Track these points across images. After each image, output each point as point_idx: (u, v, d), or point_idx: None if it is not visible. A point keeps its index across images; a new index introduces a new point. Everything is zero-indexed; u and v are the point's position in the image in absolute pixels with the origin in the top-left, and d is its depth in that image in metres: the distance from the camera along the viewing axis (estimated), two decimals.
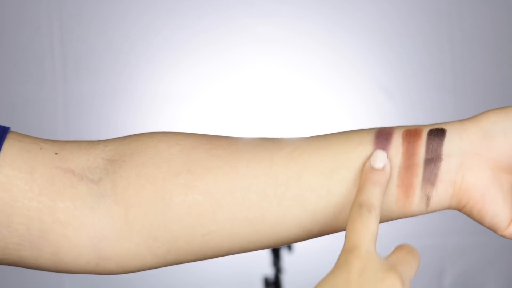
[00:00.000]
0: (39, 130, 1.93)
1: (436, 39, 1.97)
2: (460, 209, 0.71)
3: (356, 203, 0.67)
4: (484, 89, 1.99)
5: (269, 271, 1.95)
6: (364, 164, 0.70)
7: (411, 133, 0.70)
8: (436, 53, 1.98)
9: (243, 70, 1.98)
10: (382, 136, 0.71)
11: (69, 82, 1.95)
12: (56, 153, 0.72)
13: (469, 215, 0.71)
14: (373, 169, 0.69)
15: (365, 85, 1.98)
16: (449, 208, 0.71)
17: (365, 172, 0.69)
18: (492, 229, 0.71)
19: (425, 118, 1.99)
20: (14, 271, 1.95)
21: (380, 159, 0.69)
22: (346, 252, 0.64)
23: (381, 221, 0.71)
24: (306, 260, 1.96)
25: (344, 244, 0.65)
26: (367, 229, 0.64)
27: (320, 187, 0.71)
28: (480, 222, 0.71)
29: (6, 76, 1.94)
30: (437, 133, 0.70)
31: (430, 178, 0.70)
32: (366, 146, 0.70)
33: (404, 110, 1.98)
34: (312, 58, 1.97)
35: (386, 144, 0.70)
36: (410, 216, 0.72)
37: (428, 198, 0.70)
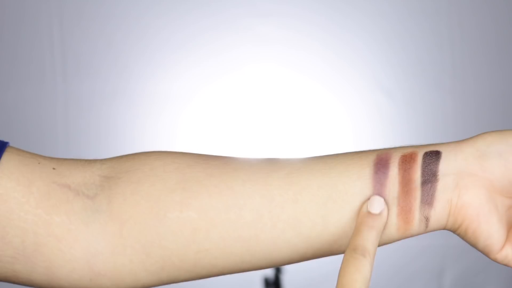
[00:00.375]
0: (39, 130, 1.93)
1: (436, 39, 1.97)
2: (455, 230, 0.72)
3: (351, 246, 0.67)
4: (484, 89, 1.99)
5: (269, 271, 1.95)
6: (361, 206, 0.70)
7: (406, 159, 0.71)
8: (436, 53, 1.98)
9: (243, 70, 1.98)
10: (380, 170, 0.71)
11: (69, 82, 1.95)
12: (53, 168, 0.73)
13: (464, 236, 0.71)
14: (369, 213, 0.70)
15: (365, 85, 1.98)
16: (445, 228, 0.72)
17: (361, 216, 0.70)
18: (485, 252, 0.72)
19: (425, 118, 1.99)
20: None
21: (377, 205, 0.70)
22: None
23: (382, 245, 0.72)
24: None
25: (336, 286, 0.65)
26: (360, 273, 0.65)
27: (315, 213, 0.71)
28: (474, 244, 0.72)
29: (6, 76, 1.94)
30: (433, 156, 0.71)
31: (427, 199, 0.70)
32: (364, 181, 0.71)
33: (404, 110, 1.98)
34: (312, 58, 1.97)
35: (384, 180, 0.71)
36: (410, 237, 0.73)
37: (427, 220, 0.71)
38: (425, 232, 0.72)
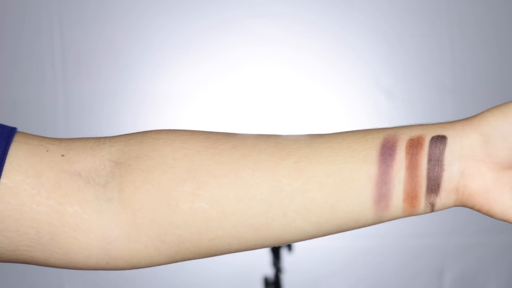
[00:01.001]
0: (40, 131, 1.93)
1: (436, 39, 1.97)
2: (468, 208, 0.73)
3: None
4: (484, 89, 1.99)
5: (269, 271, 1.95)
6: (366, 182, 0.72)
7: (413, 144, 0.72)
8: (436, 53, 1.98)
9: (243, 70, 1.98)
10: (386, 152, 0.72)
11: (69, 82, 1.95)
12: (62, 155, 0.73)
13: (480, 212, 0.73)
14: None
15: (365, 85, 1.98)
16: (455, 206, 0.73)
17: None
18: (508, 221, 0.72)
19: (425, 118, 1.99)
20: (15, 271, 1.95)
21: None
22: None
23: (388, 220, 0.73)
24: (306, 260, 1.96)
25: None
26: None
27: (324, 202, 0.72)
28: (493, 217, 0.73)
29: (6, 76, 1.94)
30: (439, 141, 0.71)
31: (433, 188, 0.71)
32: (370, 165, 0.72)
33: (404, 110, 1.98)
34: (312, 58, 1.97)
35: (391, 161, 0.71)
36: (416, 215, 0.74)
37: (432, 205, 0.72)
38: (431, 212, 0.73)
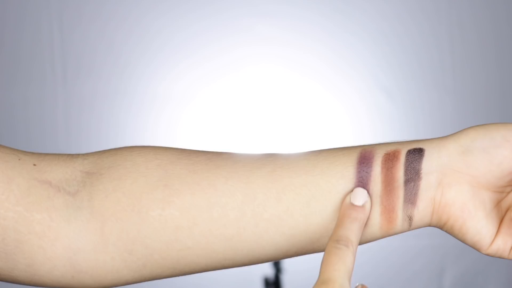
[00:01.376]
0: (40, 131, 1.93)
1: (435, 39, 1.97)
2: (441, 227, 0.71)
3: (333, 237, 0.67)
4: (484, 89, 1.99)
5: (269, 271, 1.95)
6: (344, 198, 0.70)
7: (389, 158, 0.70)
8: (436, 53, 1.98)
9: (243, 70, 1.98)
10: (363, 169, 0.70)
11: (70, 82, 1.95)
12: (34, 164, 0.72)
13: (451, 232, 0.71)
14: (352, 205, 0.69)
15: (365, 85, 1.98)
16: (430, 225, 0.71)
17: (344, 208, 0.69)
18: (475, 248, 0.71)
19: (425, 118, 1.99)
20: None
21: (360, 197, 0.69)
22: (320, 284, 0.64)
23: (364, 243, 0.71)
24: (306, 260, 1.95)
25: (319, 276, 0.65)
26: (343, 263, 0.65)
27: (298, 212, 0.70)
28: (462, 240, 0.71)
29: (6, 76, 1.94)
30: (416, 154, 0.70)
31: (410, 198, 0.70)
32: (347, 180, 0.70)
33: (403, 110, 1.99)
34: (312, 58, 1.97)
35: (367, 179, 0.70)
36: (394, 235, 0.72)
37: (410, 218, 0.70)
38: (409, 230, 0.71)
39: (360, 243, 0.70)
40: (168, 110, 1.97)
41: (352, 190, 0.70)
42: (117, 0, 1.95)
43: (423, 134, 1.98)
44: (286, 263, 1.95)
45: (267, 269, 1.95)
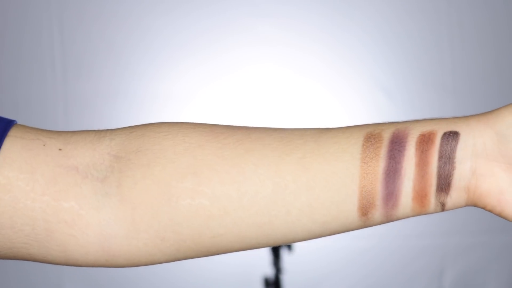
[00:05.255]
0: None
1: (435, 39, 1.97)
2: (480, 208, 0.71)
3: None
4: (484, 89, 1.99)
5: (269, 271, 1.95)
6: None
7: (424, 140, 0.69)
8: (436, 53, 1.98)
9: (243, 70, 1.98)
10: (395, 148, 0.69)
11: (70, 82, 1.95)
12: (60, 149, 0.71)
13: (492, 212, 0.70)
14: None
15: (365, 85, 1.98)
16: (467, 206, 0.71)
17: None
18: None
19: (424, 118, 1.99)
20: (15, 270, 1.95)
21: None
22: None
23: (397, 219, 0.71)
24: (306, 260, 1.96)
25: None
26: None
27: (329, 200, 0.70)
28: (505, 219, 0.70)
29: (7, 76, 1.94)
30: (451, 138, 0.69)
31: (443, 187, 0.69)
32: (379, 161, 0.69)
33: (403, 110, 1.99)
34: (312, 58, 1.97)
35: (400, 158, 0.69)
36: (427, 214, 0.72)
37: (443, 205, 0.69)
38: (443, 211, 0.71)
39: (392, 220, 0.70)
40: (169, 110, 1.97)
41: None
42: (118, 0, 1.95)
43: None
44: (286, 263, 1.95)
45: (267, 269, 1.95)
